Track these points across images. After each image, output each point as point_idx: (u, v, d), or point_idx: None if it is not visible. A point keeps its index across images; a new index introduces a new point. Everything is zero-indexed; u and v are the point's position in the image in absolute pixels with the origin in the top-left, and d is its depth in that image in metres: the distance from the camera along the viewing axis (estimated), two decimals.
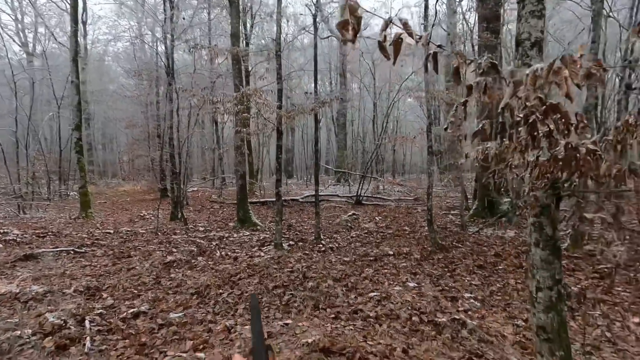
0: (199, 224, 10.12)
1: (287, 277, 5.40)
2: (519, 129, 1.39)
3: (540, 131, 1.34)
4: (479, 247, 7.24)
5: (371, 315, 4.12)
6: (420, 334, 3.70)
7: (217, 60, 16.15)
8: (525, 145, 1.44)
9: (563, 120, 1.31)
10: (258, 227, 9.54)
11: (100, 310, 4.20)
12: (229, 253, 6.91)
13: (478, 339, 3.59)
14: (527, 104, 1.25)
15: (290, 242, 7.80)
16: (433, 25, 7.21)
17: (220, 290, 4.90)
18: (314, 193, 8.50)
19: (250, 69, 15.12)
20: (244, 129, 7.83)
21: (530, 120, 1.31)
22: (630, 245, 1.53)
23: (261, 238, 8.26)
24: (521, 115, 1.32)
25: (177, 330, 3.77)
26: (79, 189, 11.26)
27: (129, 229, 9.23)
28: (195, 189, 20.35)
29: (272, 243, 7.45)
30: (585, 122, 1.40)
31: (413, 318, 4.04)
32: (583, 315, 3.59)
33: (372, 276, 5.59)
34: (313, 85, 8.38)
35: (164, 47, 11.78)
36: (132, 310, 4.22)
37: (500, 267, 5.93)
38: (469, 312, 4.27)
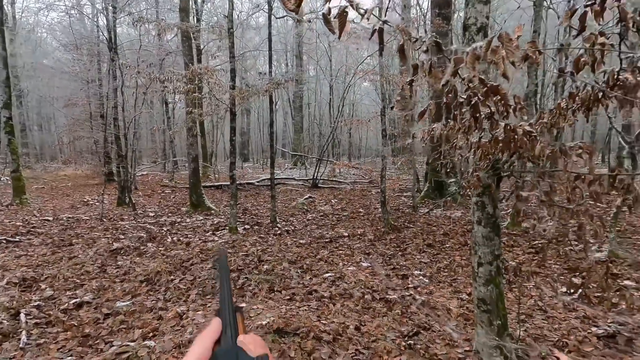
0: (149, 209, 9.69)
1: (242, 261, 5.34)
2: (463, 110, 1.43)
3: (482, 113, 1.40)
4: (429, 227, 7.58)
5: (325, 295, 4.20)
6: (372, 311, 3.83)
7: (165, 36, 15.25)
8: (469, 126, 1.49)
9: (502, 102, 1.37)
10: (212, 212, 9.31)
11: (38, 302, 3.93)
12: (181, 238, 6.70)
13: (426, 313, 3.78)
14: (469, 84, 1.29)
15: (246, 226, 7.70)
16: (387, 8, 7.25)
17: (172, 277, 4.75)
18: (270, 176, 8.41)
19: (202, 47, 14.43)
20: (195, 110, 7.50)
21: (472, 102, 1.35)
22: (559, 221, 1.66)
23: (215, 222, 8.08)
24: (464, 97, 1.36)
25: (124, 320, 3.61)
26: (11, 173, 10.31)
27: (70, 216, 8.63)
28: (145, 172, 19.40)
29: (227, 227, 7.31)
30: (522, 104, 1.48)
31: (366, 296, 4.16)
32: (519, 287, 3.88)
33: (327, 257, 5.68)
34: (268, 66, 8.18)
35: (105, 20, 10.90)
36: (74, 300, 3.98)
37: (447, 245, 6.25)
38: (418, 289, 4.48)
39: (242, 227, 7.52)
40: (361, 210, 9.49)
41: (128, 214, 8.94)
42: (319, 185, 14.07)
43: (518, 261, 5.15)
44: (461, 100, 1.37)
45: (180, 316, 3.66)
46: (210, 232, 7.24)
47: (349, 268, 5.20)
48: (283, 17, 17.29)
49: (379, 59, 7.72)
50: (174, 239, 6.68)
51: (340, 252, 6.04)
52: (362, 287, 4.44)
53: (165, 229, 7.42)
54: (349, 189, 13.64)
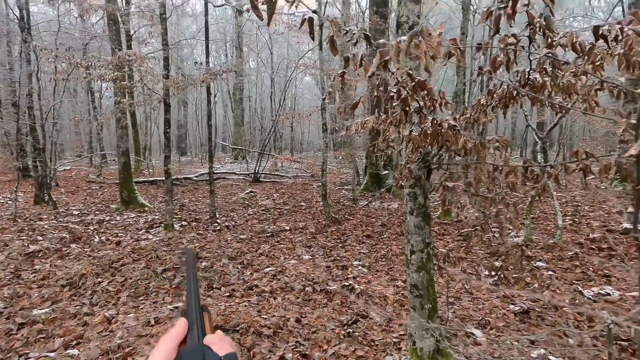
0: (73, 207, 8.88)
1: (178, 259, 5.10)
2: (393, 104, 1.49)
3: (411, 107, 1.46)
4: (368, 218, 7.83)
5: (266, 290, 4.17)
6: (313, 303, 3.88)
7: (90, 18, 13.98)
8: (399, 119, 1.55)
9: (429, 96, 1.44)
10: (146, 208, 8.78)
11: None
12: (111, 237, 6.24)
13: (364, 302, 3.91)
14: (398, 79, 1.35)
15: (183, 223, 7.37)
16: (327, 3, 7.31)
17: (99, 279, 4.40)
18: (208, 171, 8.12)
19: (132, 32, 13.45)
20: (125, 99, 6.97)
21: (402, 96, 1.41)
22: (479, 209, 1.80)
23: (149, 219, 7.63)
24: (394, 91, 1.41)
25: (43, 329, 3.29)
26: None
27: None
28: (68, 167, 17.73)
29: (162, 224, 6.94)
30: (446, 99, 1.57)
31: (307, 289, 4.20)
32: (447, 273, 4.16)
33: (268, 252, 5.64)
34: (205, 55, 7.85)
35: None
36: None
37: (385, 236, 6.51)
38: (357, 278, 4.61)
39: (179, 224, 7.19)
40: (303, 204, 9.53)
41: (47, 213, 8.12)
42: (261, 179, 13.89)
43: (448, 248, 5.52)
44: (392, 94, 1.42)
45: (109, 321, 3.42)
46: (144, 230, 6.83)
47: (290, 261, 5.21)
48: (221, 5, 16.68)
49: (319, 53, 7.77)
50: (102, 238, 6.21)
51: (282, 246, 6.03)
52: (303, 279, 4.47)
53: (92, 228, 6.86)
54: (291, 183, 13.63)
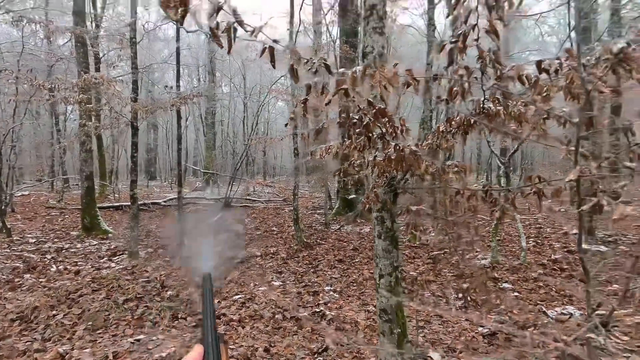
0: (29, 235, 8.38)
1: (142, 289, 4.87)
2: (357, 130, 1.53)
3: (374, 133, 1.51)
4: (340, 242, 7.82)
5: (234, 318, 4.03)
6: (283, 331, 3.77)
7: (56, 40, 13.69)
8: (363, 145, 1.59)
9: (390, 123, 1.50)
10: (109, 235, 8.40)
11: None
12: (69, 267, 5.90)
13: (335, 328, 3.85)
14: (360, 106, 1.39)
15: (149, 250, 7.09)
16: (297, 32, 7.52)
17: (54, 312, 4.12)
18: (177, 195, 7.93)
19: (101, 55, 13.25)
20: (90, 122, 6.77)
21: (364, 122, 1.46)
22: (443, 232, 1.85)
23: (112, 247, 7.30)
24: (356, 117, 1.46)
25: None
26: None
27: None
28: (27, 192, 16.81)
29: (126, 252, 6.65)
30: (407, 126, 1.64)
31: (276, 316, 4.10)
32: (417, 296, 4.18)
33: (237, 278, 5.49)
34: (175, 78, 7.81)
35: None
36: None
37: (357, 260, 6.51)
38: (329, 304, 4.55)
39: (144, 251, 6.91)
40: (275, 229, 9.42)
41: (0, 242, 7.61)
42: (232, 204, 13.67)
43: (418, 271, 5.57)
44: (354, 120, 1.47)
45: (62, 357, 3.18)
46: (106, 258, 6.51)
47: (260, 288, 5.08)
48: (194, 31, 16.80)
49: (292, 79, 7.89)
50: (60, 267, 5.86)
51: (252, 272, 5.89)
52: (273, 306, 4.36)
53: (49, 257, 6.47)
54: (263, 208, 13.50)
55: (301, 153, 7.16)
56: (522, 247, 6.05)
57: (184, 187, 13.64)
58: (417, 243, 7.14)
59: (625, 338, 3.46)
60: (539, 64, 1.26)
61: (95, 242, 7.75)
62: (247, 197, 14.66)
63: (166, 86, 7.61)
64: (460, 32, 1.14)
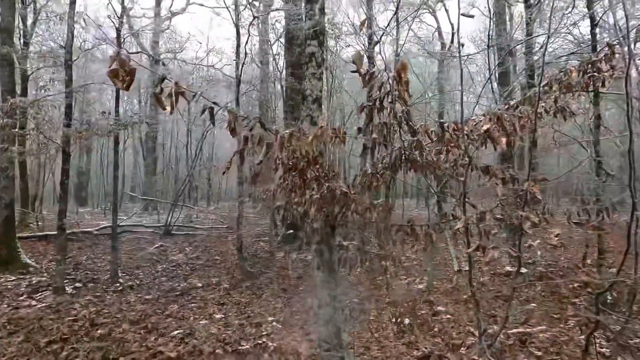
0: None
1: (68, 328, 4.51)
2: (293, 173, 1.67)
3: (307, 176, 1.67)
4: (285, 271, 7.81)
5: (172, 356, 3.88)
6: None
7: None
8: (299, 186, 1.74)
9: (321, 170, 1.67)
10: (30, 269, 7.65)
11: None
12: None
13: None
14: (295, 155, 1.55)
15: (77, 285, 6.57)
16: (243, 64, 7.70)
17: None
18: (112, 224, 7.50)
19: (29, 73, 12.39)
20: (15, 147, 6.26)
21: (299, 168, 1.61)
22: (369, 265, 2.02)
23: (34, 282, 6.65)
24: (291, 163, 1.61)
25: None
26: None
27: None
28: None
29: (51, 287, 6.11)
30: (336, 171, 1.82)
31: (217, 350, 4.01)
32: (360, 324, 4.32)
33: (177, 313, 5.28)
34: (115, 102, 7.53)
35: None
36: None
37: (301, 288, 6.54)
38: (272, 335, 4.53)
39: (72, 286, 6.40)
40: (217, 258, 9.18)
41: None
42: (173, 232, 13.09)
43: (359, 299, 5.74)
44: (289, 166, 1.61)
45: None
46: (26, 295, 5.93)
47: (200, 322, 4.93)
48: (137, 52, 16.37)
49: (236, 107, 7.99)
50: None
51: (193, 305, 5.69)
52: (214, 340, 4.26)
53: None
54: (206, 236, 13.08)
55: (245, 182, 7.18)
56: (454, 271, 6.50)
57: (120, 214, 12.82)
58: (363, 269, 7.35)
59: (539, 353, 3.85)
60: (441, 125, 1.52)
61: (13, 278, 7.00)
62: (189, 225, 14.15)
63: (103, 112, 7.30)
64: (375, 97, 1.35)
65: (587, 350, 2.27)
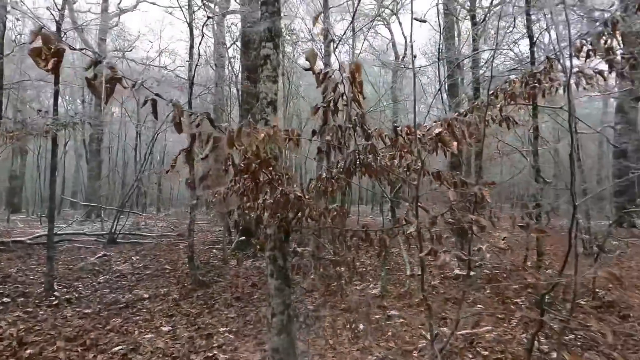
0: None
1: None
2: (245, 176, 1.60)
3: (260, 179, 1.60)
4: (238, 279, 7.58)
5: None
6: None
7: None
8: (251, 189, 1.67)
9: (273, 172, 1.62)
10: None
11: None
12: None
13: None
14: (246, 155, 1.48)
15: (5, 300, 5.94)
16: (197, 65, 7.46)
17: None
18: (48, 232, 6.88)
19: None
20: None
21: (252, 170, 1.54)
22: (323, 272, 1.99)
23: None
24: (242, 165, 1.54)
25: None
26: None
27: None
28: None
29: None
30: (290, 174, 1.77)
31: None
32: (315, 331, 4.27)
33: (119, 327, 4.92)
34: (53, 100, 6.96)
35: None
36: None
37: (255, 297, 6.37)
38: (223, 347, 4.35)
39: None
40: (167, 267, 8.74)
41: None
42: (118, 240, 12.31)
43: (314, 305, 5.69)
44: (240, 168, 1.54)
45: None
46: None
47: (146, 336, 4.63)
48: (81, 50, 15.33)
49: (188, 108, 7.68)
50: None
51: (138, 317, 5.34)
52: (161, 355, 4.01)
53: None
54: (155, 244, 12.43)
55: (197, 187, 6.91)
56: (407, 275, 6.65)
57: (58, 222, 11.83)
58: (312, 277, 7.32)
59: (485, 353, 4.02)
60: (395, 128, 1.53)
61: None
62: (137, 232, 13.40)
63: (39, 110, 6.72)
64: (329, 98, 1.33)
65: (531, 348, 2.38)
